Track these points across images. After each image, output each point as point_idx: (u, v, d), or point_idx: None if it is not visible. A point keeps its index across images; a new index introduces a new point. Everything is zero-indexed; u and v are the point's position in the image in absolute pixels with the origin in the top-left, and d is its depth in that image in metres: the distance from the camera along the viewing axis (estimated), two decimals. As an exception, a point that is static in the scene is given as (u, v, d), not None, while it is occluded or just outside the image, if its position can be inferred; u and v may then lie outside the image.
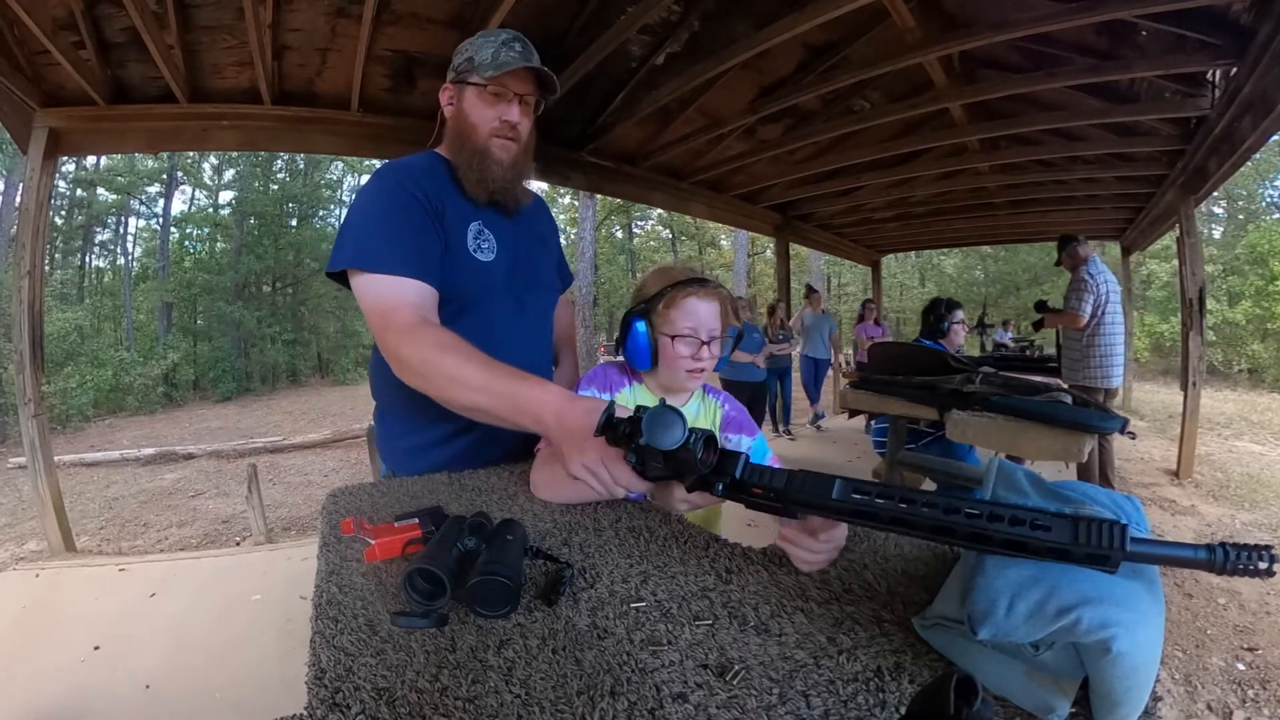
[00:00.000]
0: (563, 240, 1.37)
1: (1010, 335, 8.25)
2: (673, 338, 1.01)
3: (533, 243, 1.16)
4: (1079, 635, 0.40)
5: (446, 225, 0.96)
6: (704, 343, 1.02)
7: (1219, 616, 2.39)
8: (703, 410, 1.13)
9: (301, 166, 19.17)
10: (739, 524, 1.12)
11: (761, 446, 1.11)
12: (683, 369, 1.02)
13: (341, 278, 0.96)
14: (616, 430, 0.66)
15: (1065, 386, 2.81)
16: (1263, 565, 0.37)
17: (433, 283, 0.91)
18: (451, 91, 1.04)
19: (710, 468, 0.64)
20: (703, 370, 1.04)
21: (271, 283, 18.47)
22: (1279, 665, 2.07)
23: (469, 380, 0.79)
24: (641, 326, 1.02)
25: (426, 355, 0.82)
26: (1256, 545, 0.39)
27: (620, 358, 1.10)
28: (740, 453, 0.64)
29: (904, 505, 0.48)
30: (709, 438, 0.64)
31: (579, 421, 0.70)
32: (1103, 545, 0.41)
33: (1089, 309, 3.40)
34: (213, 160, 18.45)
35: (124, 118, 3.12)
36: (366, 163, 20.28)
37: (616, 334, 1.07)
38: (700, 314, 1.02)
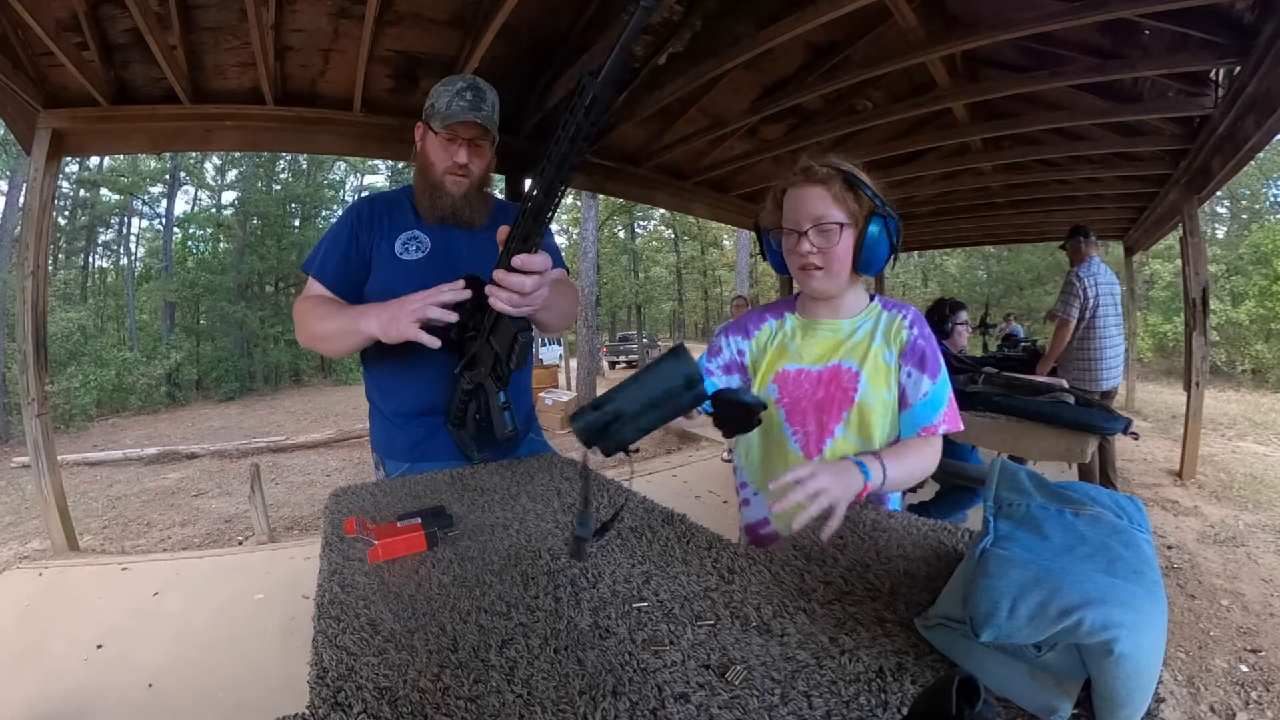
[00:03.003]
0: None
1: (1024, 329, 8.28)
2: (783, 234, 0.98)
3: (486, 245, 1.20)
4: (1081, 637, 0.40)
5: (377, 239, 1.20)
6: (800, 234, 0.95)
7: (1222, 618, 2.38)
8: (882, 327, 1.00)
9: (304, 167, 19.22)
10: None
11: (939, 396, 0.95)
12: (793, 267, 0.98)
13: None
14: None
15: (1068, 386, 2.80)
16: None
17: (337, 288, 1.18)
18: (421, 130, 1.22)
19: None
20: (810, 266, 0.95)
21: (274, 283, 18.53)
22: (1283, 667, 2.06)
23: (325, 316, 1.10)
24: (765, 233, 1.02)
25: (306, 308, 1.14)
26: None
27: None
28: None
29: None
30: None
31: (390, 309, 0.99)
32: None
33: (1075, 313, 3.39)
34: (215, 160, 18.50)
35: (127, 118, 3.12)
36: (369, 163, 20.37)
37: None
38: (797, 204, 0.96)
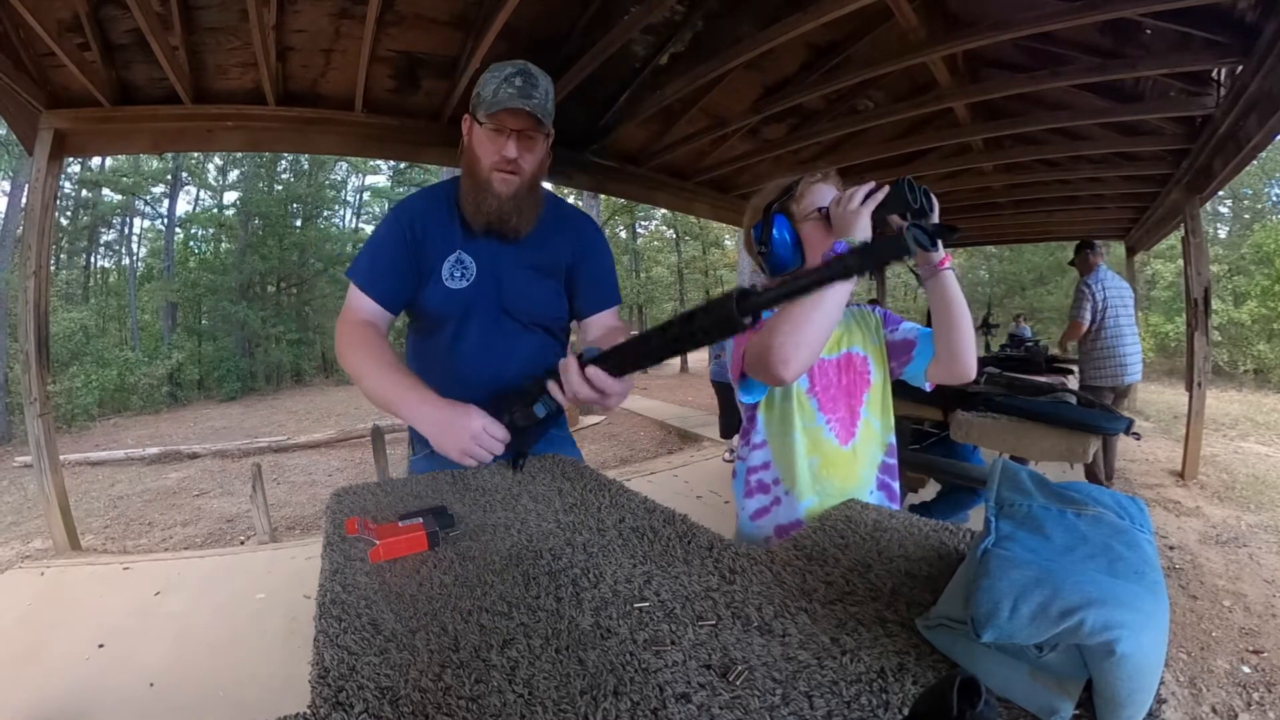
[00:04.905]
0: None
1: (1029, 329, 8.30)
2: (820, 212, 1.03)
3: (529, 272, 1.17)
4: (1083, 637, 0.40)
5: (426, 257, 1.14)
6: None
7: (1224, 619, 2.37)
8: (853, 318, 1.11)
9: (306, 167, 19.21)
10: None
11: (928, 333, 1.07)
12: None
13: None
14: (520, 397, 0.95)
15: (1070, 387, 2.81)
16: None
17: (387, 305, 1.14)
18: (468, 123, 1.12)
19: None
20: None
21: (276, 283, 18.54)
22: (1285, 667, 2.06)
23: (374, 372, 1.04)
24: (783, 219, 1.06)
25: (354, 341, 1.08)
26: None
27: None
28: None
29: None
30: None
31: (444, 423, 0.95)
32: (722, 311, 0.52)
33: (1087, 316, 3.75)
34: (217, 161, 18.52)
35: (129, 119, 3.13)
36: (371, 163, 20.37)
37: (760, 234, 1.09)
38: (825, 196, 1.05)
